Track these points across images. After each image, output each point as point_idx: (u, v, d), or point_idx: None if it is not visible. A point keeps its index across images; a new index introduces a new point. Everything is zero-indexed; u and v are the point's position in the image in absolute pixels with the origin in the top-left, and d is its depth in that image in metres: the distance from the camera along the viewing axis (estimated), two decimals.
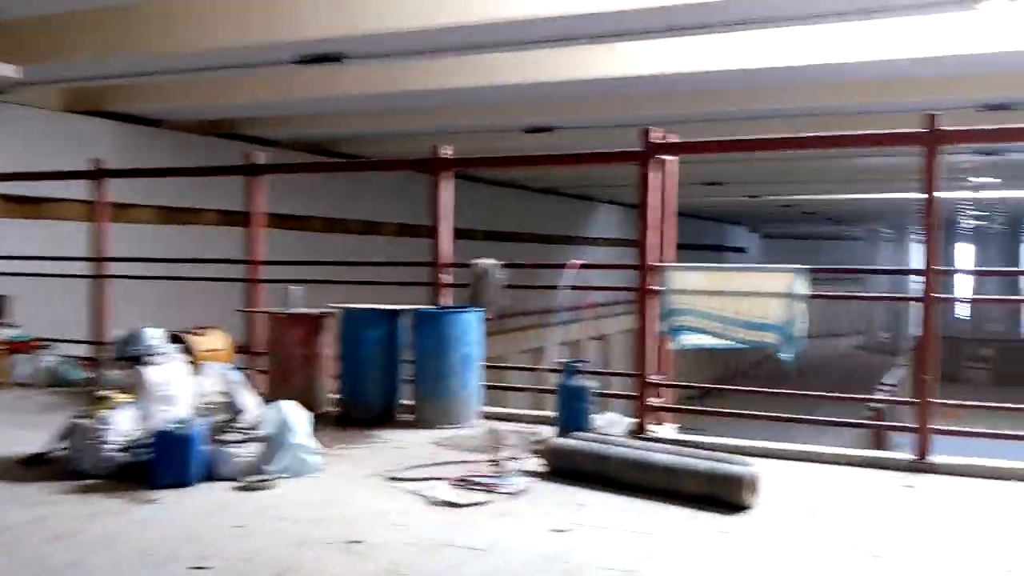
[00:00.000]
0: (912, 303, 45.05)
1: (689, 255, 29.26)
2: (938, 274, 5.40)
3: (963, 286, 45.38)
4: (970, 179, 20.15)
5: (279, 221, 14.92)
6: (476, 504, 4.75)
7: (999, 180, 19.94)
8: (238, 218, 14.00)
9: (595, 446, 5.30)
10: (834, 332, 46.03)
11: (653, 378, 6.17)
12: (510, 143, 14.33)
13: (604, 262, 25.47)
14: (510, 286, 7.02)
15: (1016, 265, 41.16)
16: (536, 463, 5.50)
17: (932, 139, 5.30)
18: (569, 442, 5.43)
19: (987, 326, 41.37)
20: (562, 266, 6.63)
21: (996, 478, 5.32)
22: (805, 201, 26.06)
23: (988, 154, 15.47)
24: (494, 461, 5.49)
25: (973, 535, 4.35)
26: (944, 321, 41.51)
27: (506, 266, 6.93)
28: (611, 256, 26.27)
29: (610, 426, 6.27)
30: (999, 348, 36.83)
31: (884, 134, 5.50)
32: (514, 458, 5.60)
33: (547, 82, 10.36)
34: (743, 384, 32.06)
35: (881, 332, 42.79)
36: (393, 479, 5.23)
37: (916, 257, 55.72)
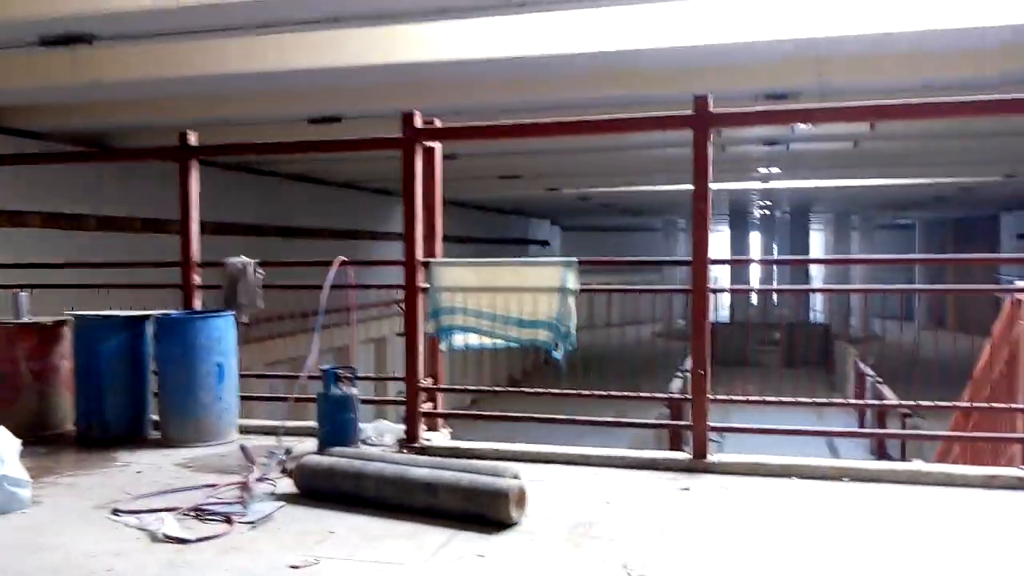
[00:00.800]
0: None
1: (492, 249, 29.15)
2: (705, 265, 5.14)
3: (754, 275, 47.38)
4: (758, 170, 20.79)
5: (51, 220, 13.64)
6: (208, 538, 4.12)
7: (781, 171, 20.61)
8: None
9: (351, 463, 4.75)
10: (635, 320, 47.18)
11: (424, 382, 5.67)
12: (295, 134, 13.53)
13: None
14: (275, 286, 6.38)
15: (806, 253, 43.20)
16: (290, 484, 4.90)
17: (702, 122, 5.03)
18: (323, 460, 4.85)
19: (776, 311, 43.32)
20: (328, 263, 6.04)
21: (772, 475, 5.12)
22: (600, 194, 26.24)
23: (771, 144, 15.85)
24: (242, 484, 4.85)
25: (744, 543, 4.07)
26: (738, 308, 43.31)
27: (264, 264, 6.27)
28: None
29: (380, 436, 5.76)
30: (788, 331, 38.58)
31: (655, 117, 5.21)
32: (265, 479, 4.99)
33: (327, 68, 9.68)
34: (537, 383, 32.01)
35: (679, 318, 44.08)
36: (117, 512, 4.52)
37: (711, 247, 57.85)
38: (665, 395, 5.52)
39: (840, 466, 5.18)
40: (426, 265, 5.54)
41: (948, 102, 4.96)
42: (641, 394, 5.92)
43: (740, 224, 41.62)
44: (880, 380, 22.90)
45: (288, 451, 5.31)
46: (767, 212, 41.39)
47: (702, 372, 5.24)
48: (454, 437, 5.93)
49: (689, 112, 5.05)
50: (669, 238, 45.71)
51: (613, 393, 5.78)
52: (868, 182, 23.95)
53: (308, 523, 4.34)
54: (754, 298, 46.31)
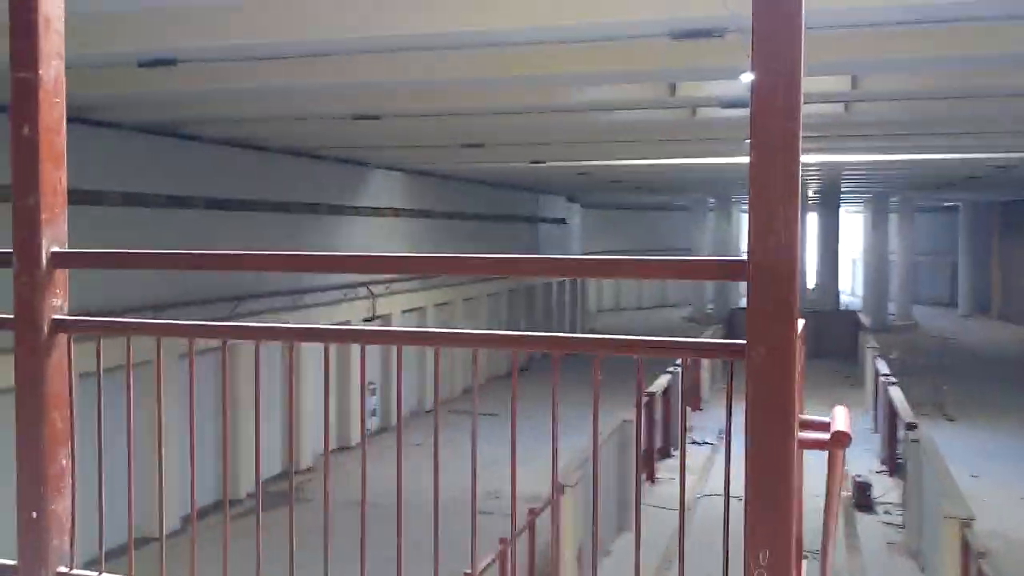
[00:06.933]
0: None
1: (496, 227, 25.03)
2: None
3: None
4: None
5: None
6: None
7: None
8: None
9: None
10: (667, 303, 43.98)
11: None
12: None
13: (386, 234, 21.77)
14: None
15: (837, 236, 39.05)
16: None
17: None
18: None
19: (805, 297, 39.49)
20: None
21: None
22: (595, 168, 22.45)
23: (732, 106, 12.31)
24: None
25: None
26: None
27: None
28: (398, 228, 22.42)
29: None
30: (815, 320, 34.92)
31: None
32: None
33: None
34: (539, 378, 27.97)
35: (710, 303, 40.37)
36: None
37: (744, 227, 53.32)
38: None
39: None
40: None
41: None
42: None
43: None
44: (893, 379, 19.21)
45: None
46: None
47: None
48: None
49: None
50: (699, 217, 41.84)
51: None
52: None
53: None
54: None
